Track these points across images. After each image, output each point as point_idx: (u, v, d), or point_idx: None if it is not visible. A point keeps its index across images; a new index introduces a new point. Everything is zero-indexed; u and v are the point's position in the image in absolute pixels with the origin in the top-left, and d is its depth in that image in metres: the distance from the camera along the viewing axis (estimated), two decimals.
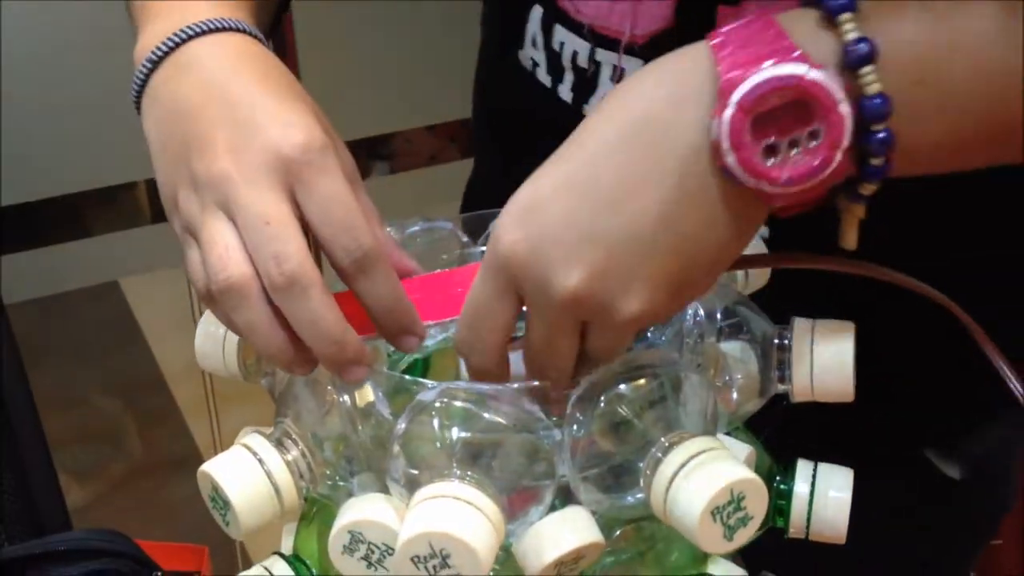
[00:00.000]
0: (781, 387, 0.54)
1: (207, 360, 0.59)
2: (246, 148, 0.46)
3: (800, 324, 0.52)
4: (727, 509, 0.43)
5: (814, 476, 0.53)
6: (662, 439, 0.45)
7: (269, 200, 0.45)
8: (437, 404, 0.46)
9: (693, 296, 0.47)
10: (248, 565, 0.56)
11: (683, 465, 0.44)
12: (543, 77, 0.70)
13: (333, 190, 0.46)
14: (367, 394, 0.49)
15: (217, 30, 0.51)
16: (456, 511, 0.42)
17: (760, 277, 0.59)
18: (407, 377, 0.49)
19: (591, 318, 0.45)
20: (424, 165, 1.77)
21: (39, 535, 0.90)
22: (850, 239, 0.46)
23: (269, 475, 0.48)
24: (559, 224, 0.43)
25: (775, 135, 0.41)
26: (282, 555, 0.53)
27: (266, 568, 0.53)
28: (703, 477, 0.43)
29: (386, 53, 1.50)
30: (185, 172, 0.48)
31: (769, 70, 0.40)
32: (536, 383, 0.47)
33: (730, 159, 0.41)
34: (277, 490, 0.48)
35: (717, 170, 0.42)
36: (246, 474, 0.48)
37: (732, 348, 0.53)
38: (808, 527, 0.53)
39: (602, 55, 0.65)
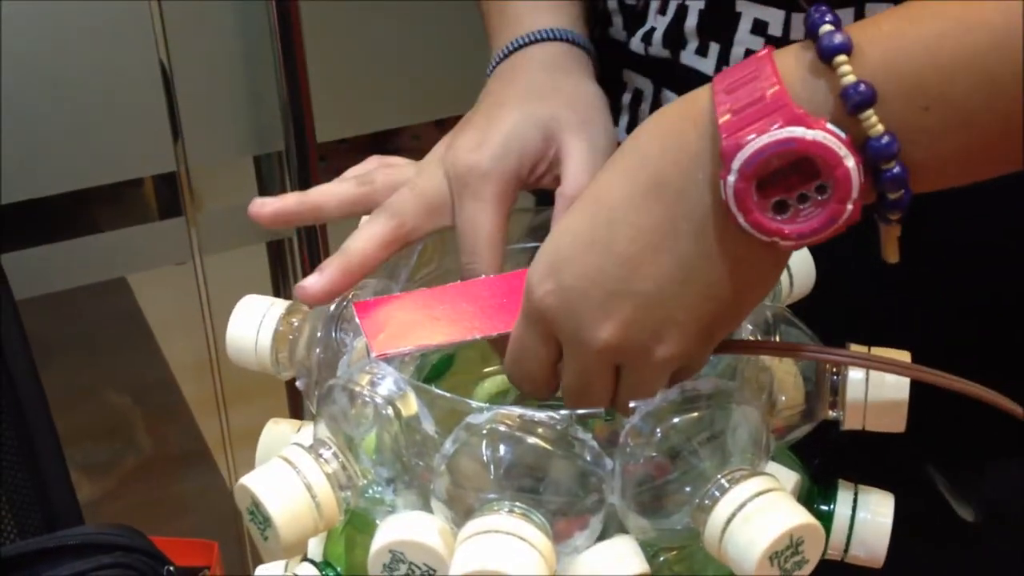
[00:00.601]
0: (831, 414, 0.54)
1: (239, 354, 0.59)
2: (453, 150, 0.58)
3: (856, 350, 0.51)
4: (785, 553, 0.43)
5: (855, 499, 0.53)
6: (719, 476, 0.45)
7: (420, 179, 0.58)
8: (487, 428, 0.46)
9: (727, 331, 0.48)
10: (258, 561, 0.56)
11: (742, 506, 0.44)
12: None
13: (468, 213, 0.56)
14: (411, 406, 0.49)
15: (532, 42, 0.63)
16: (508, 547, 0.42)
17: (805, 283, 0.59)
18: (456, 397, 0.49)
19: (625, 363, 0.46)
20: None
21: (51, 530, 0.91)
22: (891, 254, 0.46)
23: (309, 488, 0.47)
24: (585, 281, 0.45)
25: (783, 192, 0.41)
26: (312, 561, 0.53)
27: (296, 574, 0.52)
28: (763, 522, 0.43)
29: (393, 48, 1.50)
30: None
31: (767, 135, 0.40)
32: (589, 410, 0.47)
33: (740, 220, 0.42)
34: (318, 504, 0.47)
35: (732, 226, 0.42)
36: (287, 489, 0.47)
37: (769, 364, 0.53)
38: (847, 550, 0.53)
39: None
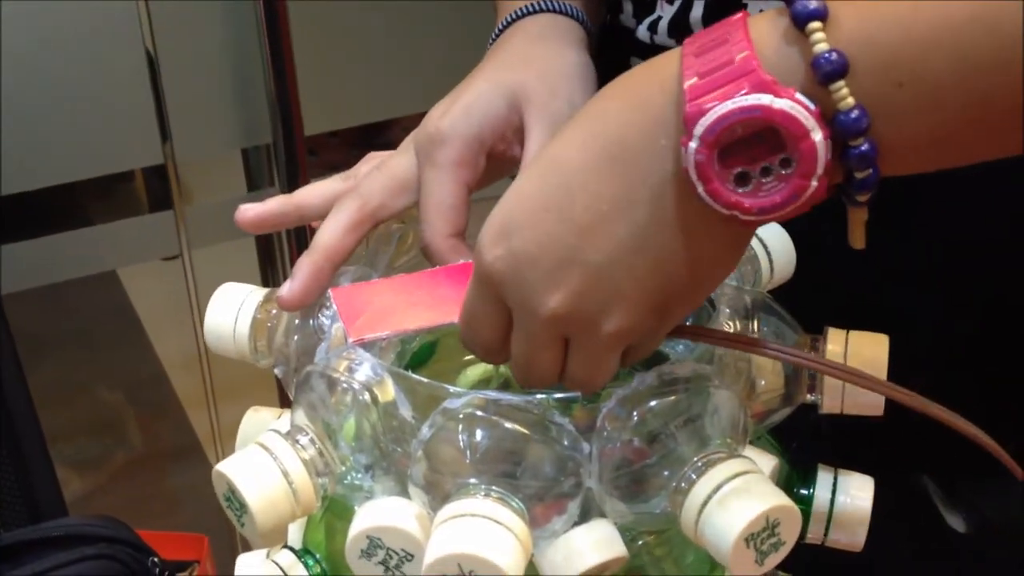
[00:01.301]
0: (810, 397, 0.53)
1: (218, 341, 0.59)
2: (422, 123, 0.57)
3: (834, 334, 0.51)
4: (761, 535, 0.43)
5: (835, 483, 0.52)
6: (695, 458, 0.45)
7: (402, 159, 0.58)
8: (464, 413, 0.45)
9: (684, 311, 0.46)
10: (247, 549, 0.55)
11: (717, 488, 0.43)
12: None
13: (424, 179, 0.55)
14: (388, 392, 0.48)
15: (520, 17, 0.63)
16: (484, 531, 0.42)
17: (786, 268, 0.59)
18: (433, 382, 0.48)
19: (572, 335, 0.45)
20: None
21: (36, 522, 0.90)
22: (857, 239, 0.44)
23: (286, 475, 0.46)
24: (536, 247, 0.43)
25: (745, 164, 0.40)
26: (291, 548, 0.53)
27: (275, 562, 0.52)
28: (739, 504, 0.43)
29: (380, 40, 1.50)
30: None
31: (732, 101, 0.39)
32: (567, 394, 0.47)
33: (699, 189, 0.40)
34: (294, 491, 0.46)
35: (691, 196, 0.41)
36: (263, 475, 0.46)
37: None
38: (826, 534, 0.52)
39: None
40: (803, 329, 0.54)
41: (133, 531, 0.85)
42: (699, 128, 0.39)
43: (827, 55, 0.38)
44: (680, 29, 0.65)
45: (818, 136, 0.39)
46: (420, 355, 0.60)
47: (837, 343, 0.52)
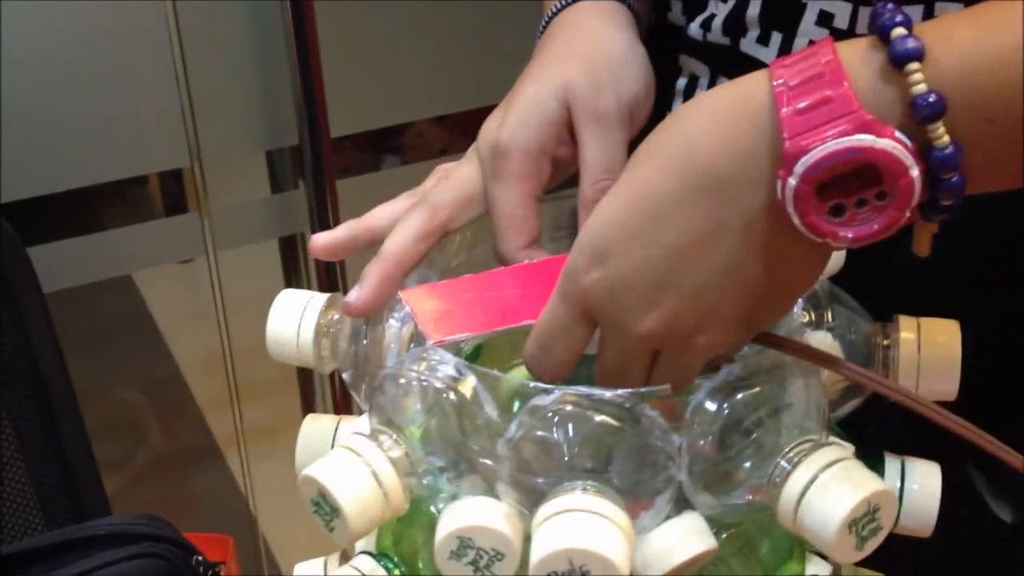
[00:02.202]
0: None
1: (280, 348, 0.58)
2: (481, 133, 0.57)
3: (905, 321, 0.51)
4: (863, 521, 0.43)
5: (903, 470, 0.52)
6: (786, 448, 0.45)
7: (455, 167, 0.58)
8: (554, 409, 0.46)
9: (770, 322, 0.48)
10: (271, 556, 0.55)
11: (815, 476, 0.44)
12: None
13: (491, 193, 0.55)
14: (470, 391, 0.48)
15: (563, 8, 0.62)
16: (591, 525, 0.42)
17: (836, 260, 0.58)
18: (521, 378, 0.48)
19: (664, 349, 0.46)
20: (435, 157, 1.77)
21: (79, 522, 0.90)
22: (924, 248, 0.45)
23: (376, 476, 0.46)
24: (632, 271, 0.44)
25: (841, 196, 0.41)
26: (370, 554, 0.52)
27: (355, 568, 0.51)
28: (841, 490, 0.43)
29: (407, 42, 1.50)
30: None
31: (836, 142, 0.40)
32: (657, 388, 0.47)
33: (796, 220, 0.41)
34: (385, 492, 0.46)
35: (783, 224, 0.42)
36: (354, 477, 0.46)
37: (822, 340, 0.53)
38: (897, 521, 0.52)
39: None
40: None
41: (176, 530, 0.85)
42: (800, 166, 0.40)
43: (925, 96, 0.39)
44: (736, 27, 0.65)
45: (915, 172, 0.40)
46: (469, 358, 0.60)
47: (910, 330, 0.52)
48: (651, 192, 0.44)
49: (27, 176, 1.35)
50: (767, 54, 0.63)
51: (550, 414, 0.45)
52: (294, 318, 0.58)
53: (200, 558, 0.83)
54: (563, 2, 0.63)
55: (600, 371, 0.48)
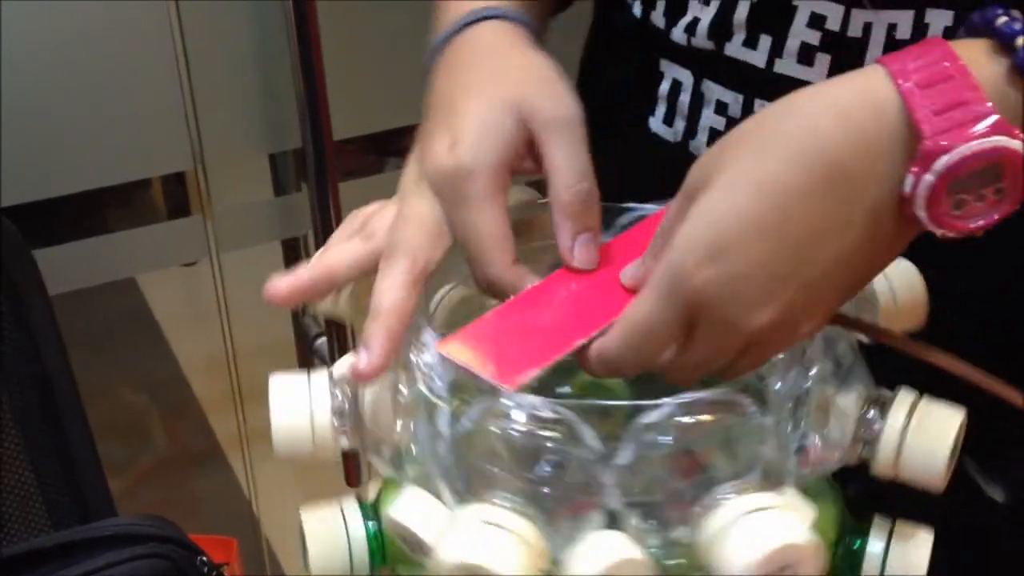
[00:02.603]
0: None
1: (291, 446, 0.53)
2: (429, 161, 0.55)
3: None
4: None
5: (890, 536, 0.51)
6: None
7: (408, 205, 0.56)
8: (673, 422, 0.45)
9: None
10: (274, 558, 0.55)
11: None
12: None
13: (463, 219, 0.53)
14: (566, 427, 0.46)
15: (473, 22, 0.60)
16: (788, 520, 0.43)
17: (914, 316, 0.56)
18: (619, 402, 0.47)
19: (762, 342, 0.46)
20: None
21: (85, 522, 0.91)
22: None
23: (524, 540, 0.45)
24: (752, 265, 0.44)
25: (967, 192, 0.43)
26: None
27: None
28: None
29: (407, 44, 1.50)
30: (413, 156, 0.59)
31: (978, 143, 0.42)
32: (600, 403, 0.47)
33: (922, 213, 0.44)
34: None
35: (904, 215, 0.44)
36: (507, 552, 0.44)
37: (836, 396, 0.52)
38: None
39: None
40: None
41: (181, 531, 0.85)
42: (939, 164, 0.42)
43: None
44: (721, 31, 0.65)
45: None
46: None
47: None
48: (776, 186, 0.44)
49: (30, 179, 1.35)
50: (756, 57, 0.64)
51: (669, 427, 0.45)
52: (303, 407, 0.52)
53: (205, 559, 0.83)
54: (459, 24, 0.61)
55: (681, 367, 0.47)
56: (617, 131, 0.59)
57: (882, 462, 0.46)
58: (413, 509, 0.47)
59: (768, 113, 0.46)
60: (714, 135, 0.67)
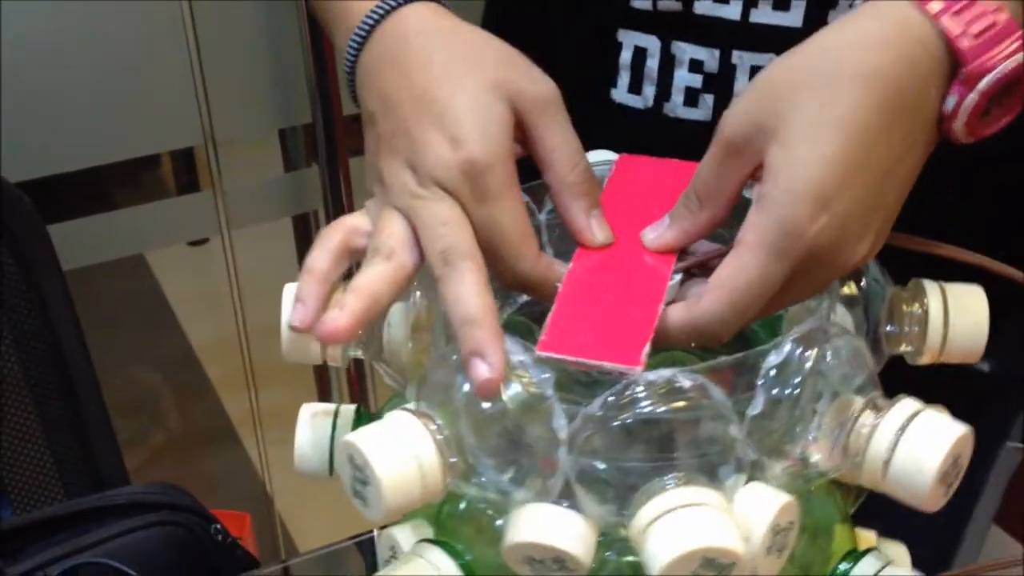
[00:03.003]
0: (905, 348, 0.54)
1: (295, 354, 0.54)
2: (420, 163, 0.50)
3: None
4: (951, 473, 0.43)
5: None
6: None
7: (444, 208, 0.50)
8: (637, 397, 0.45)
9: None
10: (287, 535, 0.55)
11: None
12: None
13: (490, 215, 0.50)
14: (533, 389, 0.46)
15: (392, 10, 0.55)
16: (712, 519, 0.43)
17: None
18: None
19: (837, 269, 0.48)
20: None
21: (98, 490, 0.91)
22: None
23: (417, 454, 0.44)
24: (854, 203, 0.46)
25: (995, 104, 0.48)
26: (434, 541, 0.50)
27: (422, 555, 0.49)
28: (931, 441, 0.44)
29: None
30: (379, 161, 0.53)
31: (1011, 60, 0.47)
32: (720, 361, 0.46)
33: (957, 125, 0.48)
34: (423, 472, 0.44)
35: (943, 132, 0.49)
36: (395, 450, 0.44)
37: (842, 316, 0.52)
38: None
39: None
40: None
41: (195, 499, 0.85)
42: (983, 84, 0.47)
43: None
44: None
45: None
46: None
47: (936, 297, 0.53)
48: (856, 126, 0.46)
49: (40, 155, 1.36)
50: (730, 11, 0.64)
51: (641, 401, 0.44)
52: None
53: (219, 527, 0.84)
54: (376, 15, 0.55)
55: (748, 307, 0.46)
56: (573, 102, 0.57)
57: (868, 471, 0.45)
58: (373, 435, 0.45)
59: (812, 56, 0.48)
60: (692, 94, 0.67)
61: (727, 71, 0.66)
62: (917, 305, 0.53)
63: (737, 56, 0.65)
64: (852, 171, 0.46)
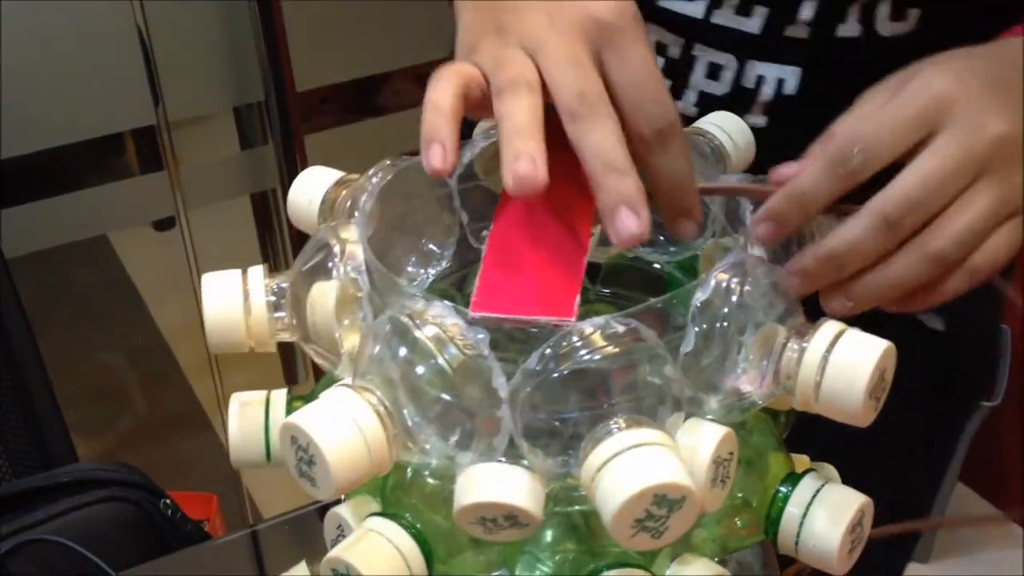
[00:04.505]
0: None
1: (225, 333, 0.53)
2: (560, 10, 0.47)
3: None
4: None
5: (814, 496, 0.50)
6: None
7: (579, 51, 0.47)
8: (578, 345, 0.44)
9: None
10: (257, 514, 0.54)
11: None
12: None
13: (643, 58, 0.47)
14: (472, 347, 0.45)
15: None
16: (662, 457, 0.42)
17: (746, 155, 0.57)
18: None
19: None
20: (411, 107, 1.75)
21: (46, 469, 0.91)
22: None
23: (359, 426, 0.44)
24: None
25: None
26: (383, 514, 0.50)
27: (370, 528, 0.49)
28: (856, 358, 0.44)
29: None
30: (492, 23, 0.49)
31: None
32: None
33: None
34: (368, 445, 0.44)
35: None
36: (338, 425, 0.43)
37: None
38: (797, 547, 0.49)
39: None
40: None
41: (145, 475, 0.85)
42: None
43: None
44: None
45: None
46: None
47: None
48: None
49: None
50: (692, 8, 0.65)
51: (578, 351, 0.44)
52: (236, 299, 0.52)
53: (167, 501, 0.83)
54: None
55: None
56: None
57: (801, 394, 0.45)
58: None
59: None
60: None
61: (687, 60, 0.66)
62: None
63: (699, 49, 0.65)
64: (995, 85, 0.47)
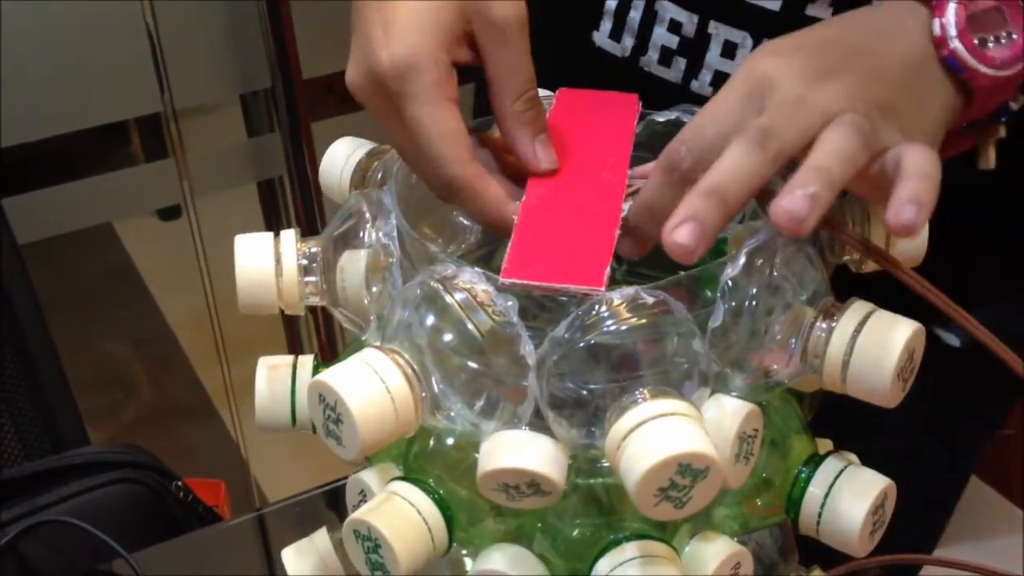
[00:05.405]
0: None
1: (257, 294, 0.53)
2: (363, 62, 0.50)
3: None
4: (907, 368, 0.43)
5: (836, 477, 0.49)
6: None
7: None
8: (608, 314, 0.44)
9: None
10: (264, 500, 0.54)
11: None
12: None
13: (415, 117, 0.48)
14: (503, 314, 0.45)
15: None
16: (687, 427, 0.42)
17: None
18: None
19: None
20: None
21: (57, 451, 0.91)
22: (990, 159, 0.51)
23: (387, 387, 0.44)
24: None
25: (981, 31, 0.48)
26: (406, 479, 0.50)
27: (396, 492, 0.49)
28: (886, 340, 0.44)
29: None
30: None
31: None
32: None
33: (955, 44, 0.47)
34: (396, 405, 0.44)
35: (937, 61, 0.48)
36: (367, 385, 0.44)
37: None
38: (818, 527, 0.50)
39: None
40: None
41: (156, 457, 0.85)
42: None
43: None
44: None
45: None
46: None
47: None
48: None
49: (5, 125, 1.35)
50: None
51: (606, 321, 0.44)
52: (268, 260, 0.53)
53: (180, 483, 0.83)
54: None
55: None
56: (555, 40, 0.56)
57: (829, 374, 0.45)
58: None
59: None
60: (666, 53, 0.67)
61: (702, 39, 0.65)
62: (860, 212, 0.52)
63: (713, 26, 0.65)
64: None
